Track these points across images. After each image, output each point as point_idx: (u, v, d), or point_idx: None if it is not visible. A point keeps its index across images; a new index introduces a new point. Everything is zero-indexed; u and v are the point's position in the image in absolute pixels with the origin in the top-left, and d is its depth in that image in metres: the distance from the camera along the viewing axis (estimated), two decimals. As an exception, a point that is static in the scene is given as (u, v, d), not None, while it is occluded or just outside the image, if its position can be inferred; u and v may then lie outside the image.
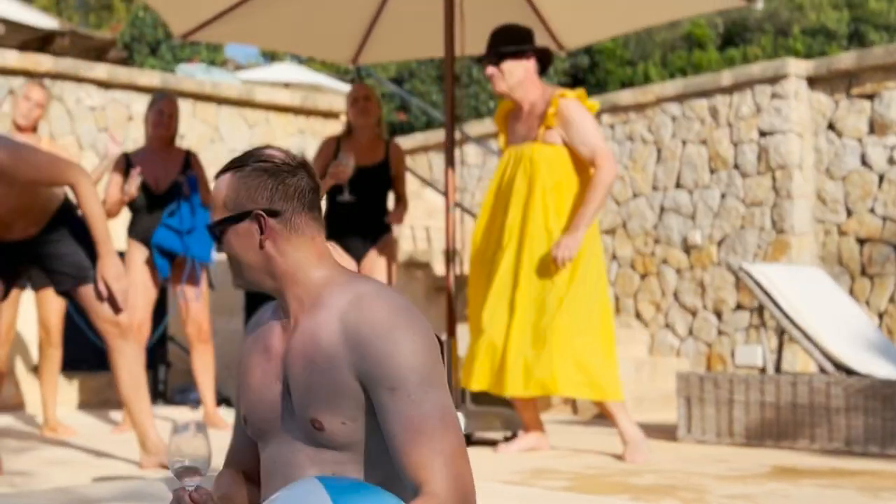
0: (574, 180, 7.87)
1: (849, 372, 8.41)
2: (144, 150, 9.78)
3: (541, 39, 8.57)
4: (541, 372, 7.66)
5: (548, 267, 7.74)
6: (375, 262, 9.43)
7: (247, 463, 3.51)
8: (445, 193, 8.93)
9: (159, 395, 12.88)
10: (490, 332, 7.95)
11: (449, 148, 8.99)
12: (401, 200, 9.62)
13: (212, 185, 3.42)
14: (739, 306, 12.65)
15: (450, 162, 8.95)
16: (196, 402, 11.53)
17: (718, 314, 12.89)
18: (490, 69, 7.89)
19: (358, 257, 9.44)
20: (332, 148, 9.47)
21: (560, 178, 7.83)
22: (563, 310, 7.70)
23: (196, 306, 9.58)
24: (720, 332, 12.82)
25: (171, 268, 9.54)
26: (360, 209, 9.32)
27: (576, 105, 7.83)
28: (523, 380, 7.73)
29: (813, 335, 8.69)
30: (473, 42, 9.17)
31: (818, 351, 8.63)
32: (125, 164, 9.52)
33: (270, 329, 3.39)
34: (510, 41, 7.92)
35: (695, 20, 33.13)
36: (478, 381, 8.02)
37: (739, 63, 27.34)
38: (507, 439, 8.47)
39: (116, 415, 10.65)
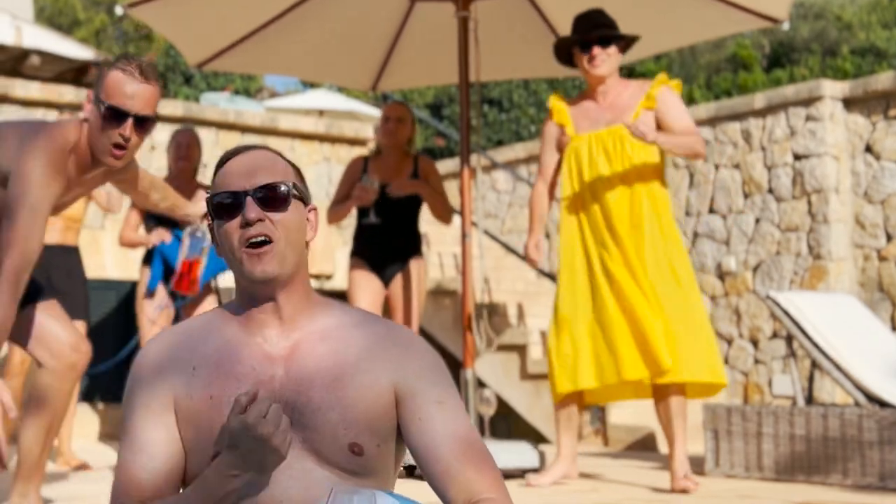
0: (660, 165, 7.78)
1: (882, 404, 8.14)
2: (165, 182, 9.52)
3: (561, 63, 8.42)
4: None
5: (666, 260, 7.66)
6: (403, 287, 9.28)
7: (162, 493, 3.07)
8: (462, 220, 8.77)
9: None
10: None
11: (463, 173, 8.85)
12: (441, 218, 9.48)
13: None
14: (776, 334, 12.44)
15: (465, 181, 8.82)
16: None
17: (755, 342, 12.73)
18: (597, 49, 7.70)
19: (385, 281, 9.28)
20: (359, 168, 9.36)
21: (651, 161, 7.67)
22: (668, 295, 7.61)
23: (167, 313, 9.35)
24: (757, 361, 12.65)
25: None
26: (387, 230, 9.20)
27: (672, 92, 7.78)
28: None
29: (844, 366, 8.45)
30: (489, 68, 9.24)
31: (850, 382, 8.39)
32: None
33: (241, 352, 3.06)
34: (612, 27, 7.82)
35: (740, 41, 33.22)
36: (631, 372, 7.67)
37: (787, 85, 27.20)
38: (531, 472, 8.18)
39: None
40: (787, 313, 8.77)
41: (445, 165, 15.70)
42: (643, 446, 10.94)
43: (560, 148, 7.99)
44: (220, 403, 2.98)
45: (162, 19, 9.43)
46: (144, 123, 4.58)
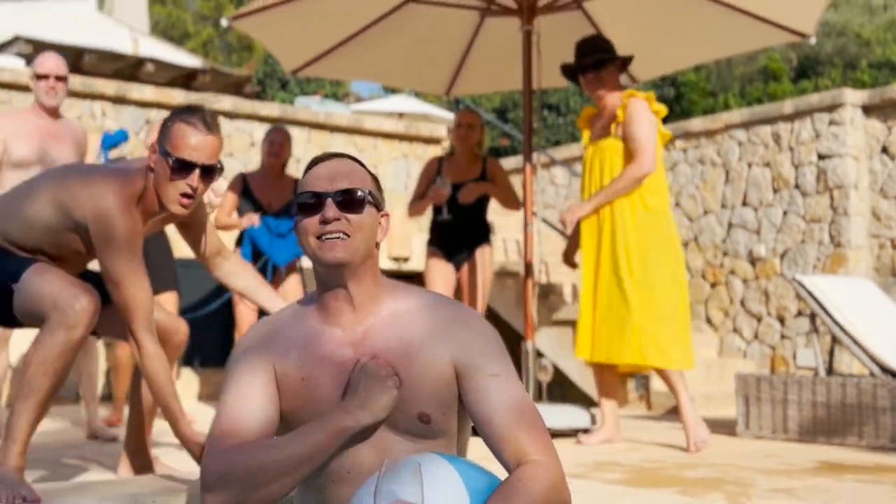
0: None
1: (894, 375, 8.15)
2: (259, 174, 9.74)
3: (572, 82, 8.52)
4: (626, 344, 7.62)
5: (616, 254, 7.69)
6: (471, 271, 9.41)
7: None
8: (525, 211, 8.78)
9: None
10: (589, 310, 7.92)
11: (526, 170, 8.85)
12: (503, 191, 9.51)
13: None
14: (800, 313, 12.45)
15: (526, 179, 8.82)
16: None
17: (781, 320, 12.72)
18: (590, 74, 7.81)
19: (457, 266, 9.45)
20: (434, 168, 9.49)
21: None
22: (638, 289, 7.63)
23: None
24: (783, 337, 12.65)
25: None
26: (458, 223, 9.37)
27: (639, 104, 7.69)
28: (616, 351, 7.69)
29: (860, 341, 8.45)
30: (549, 76, 9.15)
31: (866, 356, 8.39)
32: (241, 183, 9.57)
33: (321, 339, 3.29)
34: (602, 51, 7.86)
35: (770, 55, 33.09)
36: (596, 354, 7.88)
37: (812, 93, 27.03)
38: (581, 432, 8.23)
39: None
40: (811, 294, 8.77)
41: (509, 162, 15.71)
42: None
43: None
44: (309, 385, 3.24)
45: (262, 30, 9.52)
46: (210, 172, 4.49)
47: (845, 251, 12.13)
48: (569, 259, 8.47)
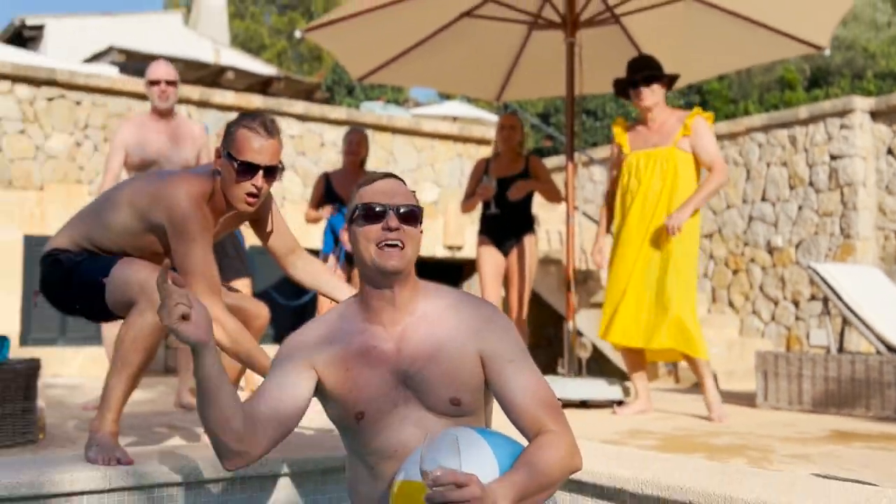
0: (694, 179, 7.79)
1: None
2: (340, 172, 9.85)
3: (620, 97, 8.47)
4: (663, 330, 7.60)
5: (667, 250, 7.67)
6: (519, 257, 9.41)
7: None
8: (567, 204, 8.78)
9: None
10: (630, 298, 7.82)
11: (568, 168, 8.86)
12: (546, 185, 9.47)
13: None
14: (813, 297, 12.47)
15: (569, 178, 8.81)
16: None
17: (796, 303, 12.73)
18: (642, 88, 7.78)
19: (505, 253, 9.45)
20: (482, 169, 9.54)
21: (686, 176, 7.74)
22: (681, 284, 7.65)
23: None
24: (797, 318, 12.66)
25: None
26: (505, 217, 9.40)
27: (704, 122, 7.77)
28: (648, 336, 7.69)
29: (869, 322, 8.49)
30: (589, 83, 9.28)
31: (873, 335, 8.42)
32: (325, 181, 9.74)
33: (365, 335, 3.49)
34: (654, 68, 7.86)
35: (786, 66, 33.10)
36: (622, 338, 7.88)
37: (824, 101, 27.07)
38: (617, 404, 8.25)
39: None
40: (824, 280, 8.81)
41: (552, 161, 15.72)
42: None
43: (617, 165, 8.07)
44: (354, 374, 3.44)
45: (331, 41, 9.57)
46: (272, 173, 4.48)
47: (854, 242, 12.14)
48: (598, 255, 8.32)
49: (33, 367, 5.80)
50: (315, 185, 9.82)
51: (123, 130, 7.84)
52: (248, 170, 4.45)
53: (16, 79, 11.94)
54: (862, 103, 12.33)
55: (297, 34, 9.47)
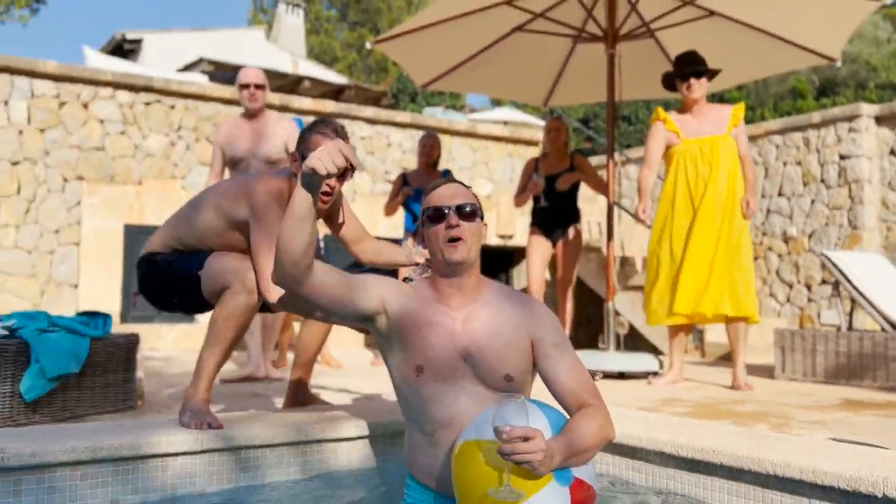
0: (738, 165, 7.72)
1: None
2: (415, 172, 9.82)
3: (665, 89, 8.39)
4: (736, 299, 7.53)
5: (739, 224, 7.61)
6: (566, 245, 9.41)
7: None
8: (608, 200, 8.70)
9: None
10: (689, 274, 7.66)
11: (609, 165, 8.82)
12: (592, 179, 9.43)
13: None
14: (824, 281, 12.39)
15: (609, 174, 8.75)
16: None
17: (808, 287, 12.62)
18: (693, 80, 7.69)
19: (554, 242, 9.44)
20: (532, 167, 9.48)
21: (737, 161, 7.68)
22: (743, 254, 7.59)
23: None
24: (809, 300, 12.55)
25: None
26: (554, 210, 9.38)
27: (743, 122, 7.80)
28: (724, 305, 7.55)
29: (875, 303, 8.40)
30: (628, 90, 9.28)
31: (879, 315, 8.33)
32: (402, 181, 9.73)
33: (435, 310, 3.54)
34: (702, 63, 7.77)
35: (798, 77, 33.28)
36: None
37: (832, 108, 27.19)
38: (652, 375, 8.19)
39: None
40: (835, 266, 8.74)
41: (591, 161, 15.62)
42: (730, 358, 10.53)
43: (668, 147, 7.86)
44: (422, 334, 3.49)
45: (397, 52, 9.47)
46: (345, 173, 4.41)
47: (860, 232, 12.08)
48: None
49: (133, 340, 5.79)
50: (394, 182, 9.83)
51: (218, 133, 7.84)
52: None
53: (117, 86, 11.94)
54: (868, 109, 12.27)
55: (368, 45, 9.46)
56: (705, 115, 7.77)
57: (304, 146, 4.43)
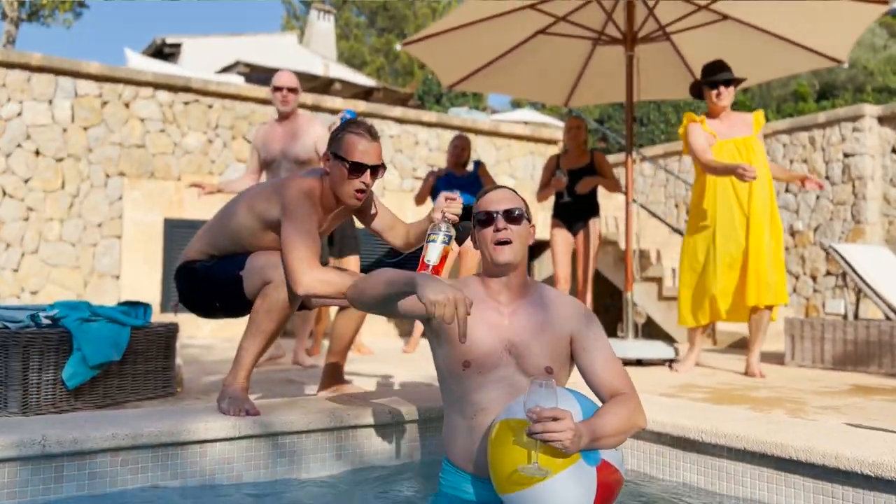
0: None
1: None
2: (445, 170, 9.71)
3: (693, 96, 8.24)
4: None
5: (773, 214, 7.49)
6: (585, 238, 9.36)
7: None
8: (626, 196, 8.54)
9: None
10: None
11: (627, 162, 8.65)
12: (609, 178, 9.35)
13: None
14: (828, 273, 12.37)
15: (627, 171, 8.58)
16: None
17: (814, 278, 12.57)
18: (722, 88, 7.56)
19: (574, 234, 9.40)
20: (554, 163, 9.46)
21: (765, 158, 7.62)
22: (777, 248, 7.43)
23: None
24: (815, 291, 12.50)
25: None
26: (575, 204, 9.37)
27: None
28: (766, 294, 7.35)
29: (880, 293, 8.29)
30: (645, 91, 9.27)
31: (884, 304, 8.21)
32: (434, 179, 9.61)
33: (485, 305, 3.56)
34: (730, 71, 7.66)
35: (799, 81, 33.52)
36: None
37: (838, 109, 27.25)
38: (670, 362, 8.11)
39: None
40: (843, 258, 8.65)
41: (608, 158, 15.74)
42: (740, 346, 10.72)
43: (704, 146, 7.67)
44: (470, 329, 3.42)
45: (425, 54, 9.39)
46: (377, 171, 4.33)
47: (863, 227, 12.05)
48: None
49: (172, 329, 5.66)
50: (425, 179, 9.72)
51: (256, 135, 7.77)
52: (357, 169, 4.31)
53: (157, 86, 11.83)
54: (871, 110, 12.26)
55: (398, 47, 9.42)
56: (732, 121, 7.66)
57: (337, 145, 4.35)
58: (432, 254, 4.00)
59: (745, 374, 7.38)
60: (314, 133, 7.63)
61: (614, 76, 9.51)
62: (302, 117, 7.79)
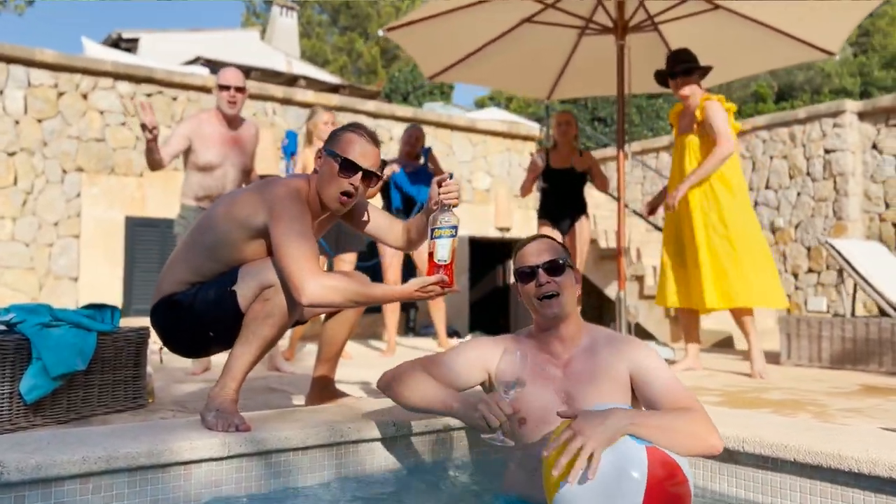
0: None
1: None
2: (397, 161, 9.32)
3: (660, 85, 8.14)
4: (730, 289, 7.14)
5: (724, 220, 7.20)
6: (575, 235, 8.98)
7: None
8: (618, 192, 8.11)
9: (409, 329, 12.97)
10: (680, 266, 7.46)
11: (619, 156, 8.16)
12: (598, 177, 9.02)
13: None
14: (810, 270, 12.46)
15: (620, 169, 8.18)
16: (434, 334, 11.39)
17: (795, 275, 12.69)
18: (680, 78, 7.38)
19: (563, 232, 8.97)
20: (542, 157, 9.08)
21: (700, 159, 7.32)
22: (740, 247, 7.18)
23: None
24: (796, 288, 12.62)
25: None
26: (563, 198, 9.00)
27: (714, 104, 7.25)
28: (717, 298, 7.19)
29: (879, 288, 8.20)
30: (631, 84, 9.02)
31: (883, 300, 8.11)
32: (390, 173, 9.28)
33: (538, 360, 3.43)
34: (690, 61, 7.43)
35: (759, 83, 34.97)
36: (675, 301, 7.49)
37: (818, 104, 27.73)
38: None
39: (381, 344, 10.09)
40: (839, 253, 8.52)
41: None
42: (724, 344, 10.65)
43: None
44: (523, 390, 3.27)
45: (408, 41, 9.04)
46: (371, 178, 3.89)
47: (845, 223, 12.13)
48: (653, 207, 7.86)
49: (143, 334, 5.09)
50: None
51: (190, 125, 6.92)
52: (349, 168, 3.86)
53: (118, 76, 11.33)
54: (851, 105, 12.39)
55: (381, 33, 8.97)
56: (692, 111, 7.47)
57: (335, 142, 3.92)
58: (441, 251, 3.65)
59: (750, 376, 7.15)
60: (255, 134, 7.12)
61: (597, 69, 9.35)
62: (248, 125, 7.16)
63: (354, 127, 3.98)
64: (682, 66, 7.39)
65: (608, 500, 2.71)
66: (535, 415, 3.33)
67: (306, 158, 8.35)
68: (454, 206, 3.77)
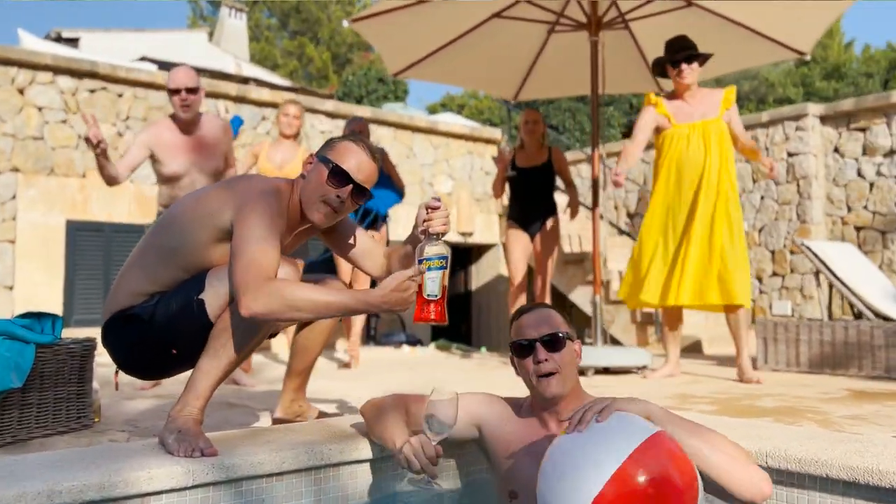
0: (732, 146, 7.26)
1: (886, 318, 7.84)
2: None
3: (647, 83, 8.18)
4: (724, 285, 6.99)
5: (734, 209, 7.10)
6: (544, 238, 8.76)
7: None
8: (593, 195, 8.02)
9: (370, 337, 12.74)
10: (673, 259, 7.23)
11: (594, 156, 8.25)
12: (569, 185, 8.90)
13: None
14: (775, 273, 12.35)
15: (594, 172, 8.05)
16: (397, 343, 11.33)
17: (759, 279, 12.55)
18: (684, 65, 7.14)
19: (532, 234, 8.75)
20: (510, 157, 8.92)
21: (730, 143, 7.20)
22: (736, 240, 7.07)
23: None
24: (761, 292, 12.50)
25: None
26: (532, 199, 8.80)
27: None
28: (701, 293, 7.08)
29: (856, 290, 8.10)
30: (611, 83, 9.16)
31: (861, 303, 7.99)
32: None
33: (530, 430, 3.21)
34: (693, 48, 7.22)
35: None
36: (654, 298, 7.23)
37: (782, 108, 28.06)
38: (640, 369, 7.66)
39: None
40: (816, 255, 8.42)
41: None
42: (692, 349, 10.45)
43: (659, 131, 7.30)
44: (515, 460, 3.15)
45: (374, 34, 8.84)
46: (361, 193, 3.48)
47: (809, 226, 12.03)
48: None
49: (88, 347, 4.54)
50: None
51: (148, 135, 6.42)
52: (339, 175, 3.45)
53: (58, 70, 10.73)
54: (814, 109, 12.34)
55: (345, 23, 8.89)
56: (698, 100, 7.28)
57: (329, 148, 3.52)
58: (431, 285, 3.21)
59: (740, 381, 6.94)
60: (226, 141, 6.63)
61: (567, 69, 9.28)
62: (211, 122, 6.65)
63: (355, 137, 3.56)
64: (686, 54, 7.20)
65: (584, 458, 2.53)
66: (527, 488, 2.96)
67: (258, 151, 7.94)
68: (443, 235, 3.32)
